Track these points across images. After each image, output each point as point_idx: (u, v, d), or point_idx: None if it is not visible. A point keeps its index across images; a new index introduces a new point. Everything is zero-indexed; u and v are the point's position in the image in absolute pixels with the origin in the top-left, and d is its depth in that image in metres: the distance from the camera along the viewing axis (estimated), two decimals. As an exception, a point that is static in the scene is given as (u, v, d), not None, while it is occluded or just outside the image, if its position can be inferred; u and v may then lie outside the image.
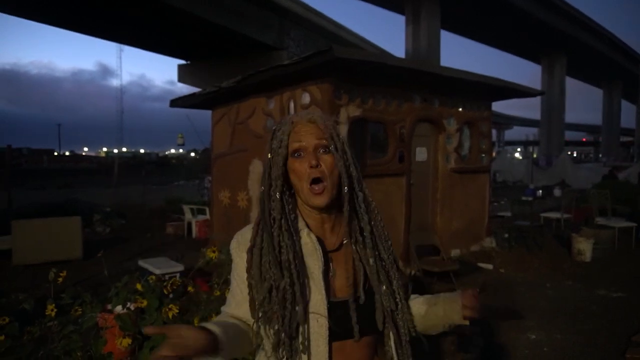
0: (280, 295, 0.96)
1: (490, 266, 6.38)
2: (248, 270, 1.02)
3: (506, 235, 7.69)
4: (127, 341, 2.25)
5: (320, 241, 1.04)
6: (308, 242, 1.03)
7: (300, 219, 1.06)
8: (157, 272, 4.85)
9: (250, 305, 1.02)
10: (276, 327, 0.96)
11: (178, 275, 4.82)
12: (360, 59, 4.91)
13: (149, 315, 2.47)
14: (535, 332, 4.09)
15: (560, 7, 33.96)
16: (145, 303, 2.46)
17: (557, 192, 16.45)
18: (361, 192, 1.06)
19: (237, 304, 1.07)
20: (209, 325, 0.96)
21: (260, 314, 0.98)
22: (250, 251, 1.02)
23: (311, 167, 1.00)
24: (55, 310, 2.28)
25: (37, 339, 2.44)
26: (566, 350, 3.73)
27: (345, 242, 1.07)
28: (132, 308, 2.54)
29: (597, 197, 9.04)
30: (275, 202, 1.02)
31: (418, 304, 1.15)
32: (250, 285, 1.01)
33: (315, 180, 1.01)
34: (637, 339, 3.82)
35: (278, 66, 5.24)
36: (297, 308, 0.96)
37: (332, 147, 1.03)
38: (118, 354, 2.47)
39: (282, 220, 1.01)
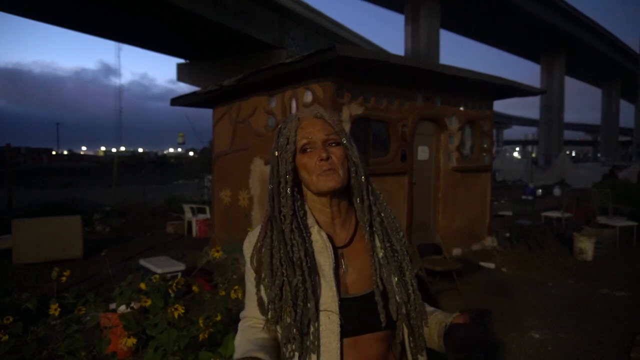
0: (293, 292, 0.97)
1: (492, 265, 6.37)
2: (257, 270, 1.02)
3: (507, 235, 7.69)
4: (132, 341, 2.23)
5: (330, 238, 1.05)
6: (318, 240, 1.04)
7: (309, 215, 1.06)
8: (159, 271, 4.82)
9: (259, 303, 1.03)
10: (287, 323, 0.96)
11: (179, 274, 4.80)
12: (363, 57, 4.88)
13: (153, 315, 2.45)
14: (539, 331, 4.08)
15: (559, 6, 33.97)
16: (149, 302, 2.44)
17: (556, 191, 16.47)
18: (369, 185, 1.08)
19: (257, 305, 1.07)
20: (260, 356, 1.00)
21: (271, 312, 0.98)
22: (259, 250, 1.02)
23: (321, 160, 1.01)
24: (58, 309, 2.25)
25: (40, 338, 2.42)
26: (570, 349, 3.72)
27: (356, 236, 1.07)
28: (135, 307, 2.52)
29: (598, 196, 9.04)
30: (285, 199, 1.03)
31: None
32: (258, 284, 1.02)
33: (326, 171, 1.03)
34: (641, 338, 3.81)
35: (281, 64, 5.22)
36: (308, 305, 0.96)
37: (343, 140, 1.05)
38: (120, 354, 2.45)
39: (293, 217, 1.02)
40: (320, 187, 1.02)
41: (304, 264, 0.98)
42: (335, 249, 1.04)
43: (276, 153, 1.06)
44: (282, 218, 1.02)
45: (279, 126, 1.09)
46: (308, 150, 1.04)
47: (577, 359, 3.56)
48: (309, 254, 1.00)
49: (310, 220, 1.05)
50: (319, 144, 1.03)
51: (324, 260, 1.01)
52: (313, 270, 0.99)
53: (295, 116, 1.08)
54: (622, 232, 7.59)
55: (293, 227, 1.01)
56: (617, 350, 3.67)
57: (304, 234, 1.02)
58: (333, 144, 1.04)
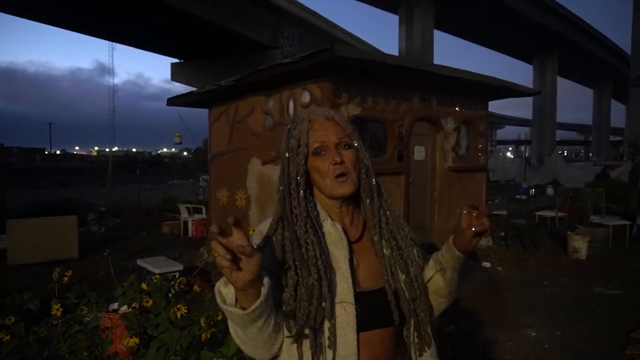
0: (309, 292, 0.95)
1: (487, 264, 6.41)
2: (280, 264, 0.98)
3: (502, 234, 7.75)
4: (134, 340, 2.23)
5: (345, 231, 1.06)
6: (332, 232, 1.04)
7: (322, 211, 1.07)
8: (157, 271, 4.81)
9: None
10: (300, 323, 0.93)
11: (177, 274, 4.79)
12: (360, 58, 4.90)
13: (155, 315, 2.45)
14: (535, 329, 4.13)
15: (552, 7, 34.24)
16: (150, 302, 2.44)
17: (549, 190, 16.61)
18: (378, 186, 1.10)
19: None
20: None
21: (286, 310, 0.96)
22: (269, 247, 1.00)
23: (335, 163, 1.02)
24: (61, 310, 2.25)
25: (41, 338, 2.41)
26: (566, 346, 3.77)
27: (364, 234, 1.08)
28: (135, 307, 2.52)
29: (591, 195, 9.13)
30: (297, 200, 1.02)
31: (435, 278, 1.09)
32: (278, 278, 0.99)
33: (339, 176, 1.03)
34: (636, 335, 3.86)
35: (279, 65, 5.23)
36: (323, 304, 0.95)
37: (355, 143, 1.06)
38: (121, 354, 2.45)
39: (306, 218, 1.01)
40: (333, 193, 1.03)
41: (319, 262, 0.97)
42: (349, 241, 1.05)
43: (287, 154, 1.05)
44: (294, 219, 1.01)
45: (289, 127, 1.08)
46: (321, 153, 1.04)
47: (573, 357, 3.61)
48: (324, 252, 1.00)
49: (323, 215, 1.06)
50: (332, 147, 1.03)
51: (339, 252, 1.02)
52: (328, 268, 0.98)
53: (306, 117, 1.07)
54: (615, 231, 7.68)
55: (307, 226, 1.00)
56: (612, 348, 3.73)
57: (319, 233, 1.01)
58: (345, 147, 1.05)
